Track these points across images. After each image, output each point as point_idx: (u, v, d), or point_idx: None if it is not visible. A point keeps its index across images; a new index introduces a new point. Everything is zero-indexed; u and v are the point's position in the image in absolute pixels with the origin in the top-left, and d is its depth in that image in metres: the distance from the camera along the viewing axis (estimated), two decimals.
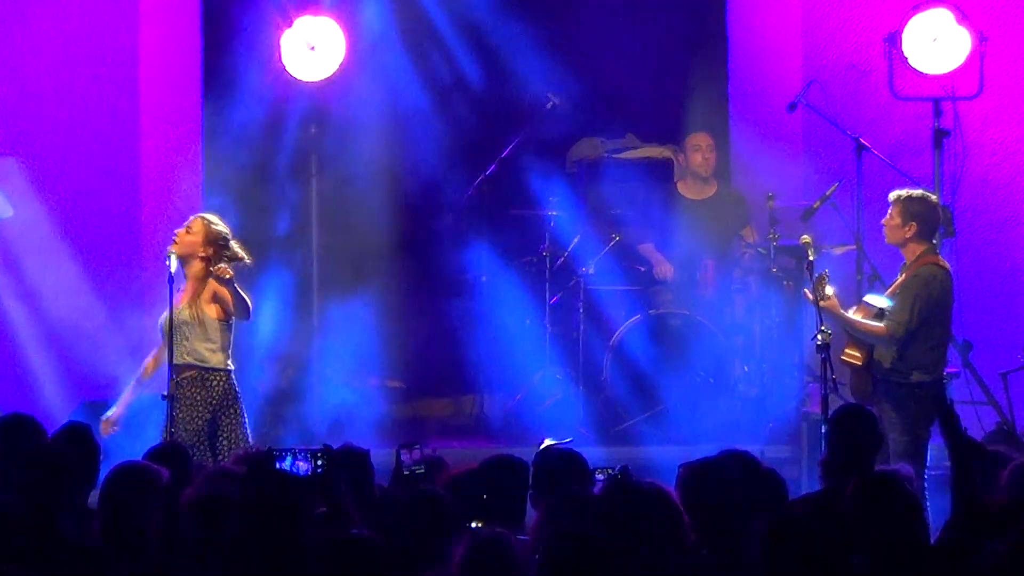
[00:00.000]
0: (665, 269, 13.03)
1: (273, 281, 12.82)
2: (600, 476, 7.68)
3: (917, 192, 10.31)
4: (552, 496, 6.98)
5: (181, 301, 10.02)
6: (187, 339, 9.99)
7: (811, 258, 10.30)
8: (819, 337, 9.88)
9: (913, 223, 10.16)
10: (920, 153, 12.65)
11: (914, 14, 12.32)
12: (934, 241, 10.32)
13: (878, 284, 12.41)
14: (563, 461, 7.62)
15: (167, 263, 9.95)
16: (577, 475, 7.51)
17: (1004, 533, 6.47)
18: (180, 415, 9.87)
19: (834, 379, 9.87)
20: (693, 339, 12.56)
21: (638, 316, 12.79)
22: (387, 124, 13.54)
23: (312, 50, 12.54)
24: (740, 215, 13.07)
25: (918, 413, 9.86)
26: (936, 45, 12.29)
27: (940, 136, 12.42)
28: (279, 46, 12.57)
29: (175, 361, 9.92)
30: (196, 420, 9.94)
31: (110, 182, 12.63)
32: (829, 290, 10.05)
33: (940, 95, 12.42)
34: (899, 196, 10.24)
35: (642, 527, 6.39)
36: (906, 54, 12.33)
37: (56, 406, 11.95)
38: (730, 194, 13.20)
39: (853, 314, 10.13)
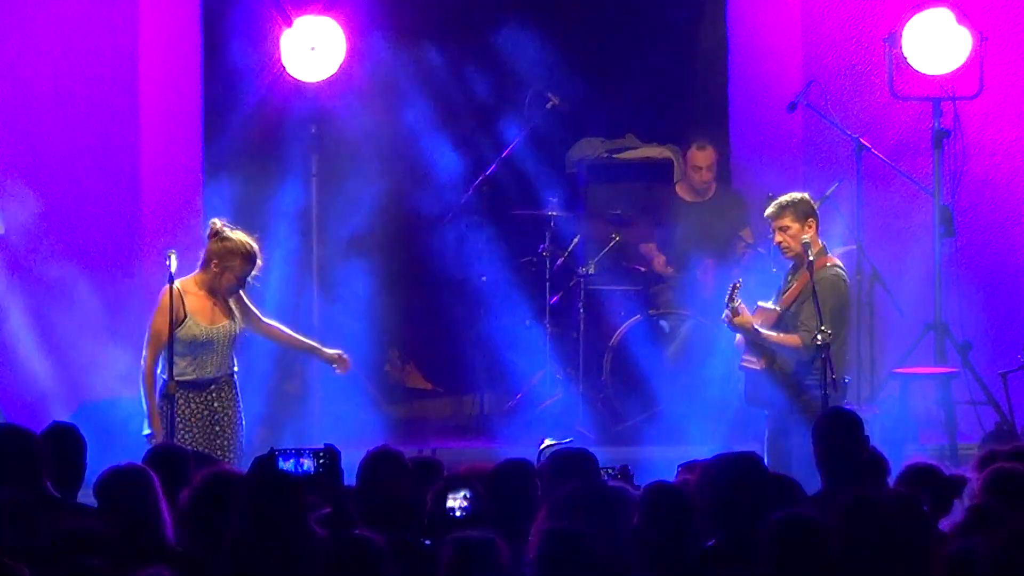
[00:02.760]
0: (662, 261, 13.04)
1: (273, 281, 12.82)
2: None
3: (787, 197, 10.35)
4: (554, 495, 6.96)
5: (214, 314, 9.96)
6: (230, 350, 10.02)
7: (811, 258, 10.29)
8: (819, 337, 9.88)
9: (810, 219, 10.22)
10: (920, 153, 12.66)
11: (914, 14, 12.32)
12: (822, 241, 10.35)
13: (878, 284, 12.43)
14: (573, 460, 7.56)
15: (167, 263, 9.94)
16: (587, 475, 7.44)
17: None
18: (227, 419, 9.95)
19: (834, 379, 9.87)
20: (693, 339, 12.57)
21: (638, 316, 12.80)
22: (387, 124, 13.54)
23: (312, 50, 12.54)
24: (739, 216, 13.07)
25: (822, 398, 9.91)
26: (936, 45, 12.29)
27: (940, 136, 12.42)
28: (279, 46, 12.57)
29: (215, 374, 9.92)
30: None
31: (110, 182, 12.62)
32: (737, 301, 10.08)
33: (940, 95, 12.42)
34: (781, 204, 10.25)
35: None
36: (906, 54, 12.32)
37: (56, 406, 11.95)
38: (729, 195, 13.20)
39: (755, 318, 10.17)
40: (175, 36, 12.89)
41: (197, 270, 9.93)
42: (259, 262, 9.96)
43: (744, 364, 10.24)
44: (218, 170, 12.92)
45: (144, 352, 9.86)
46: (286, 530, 6.17)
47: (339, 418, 12.35)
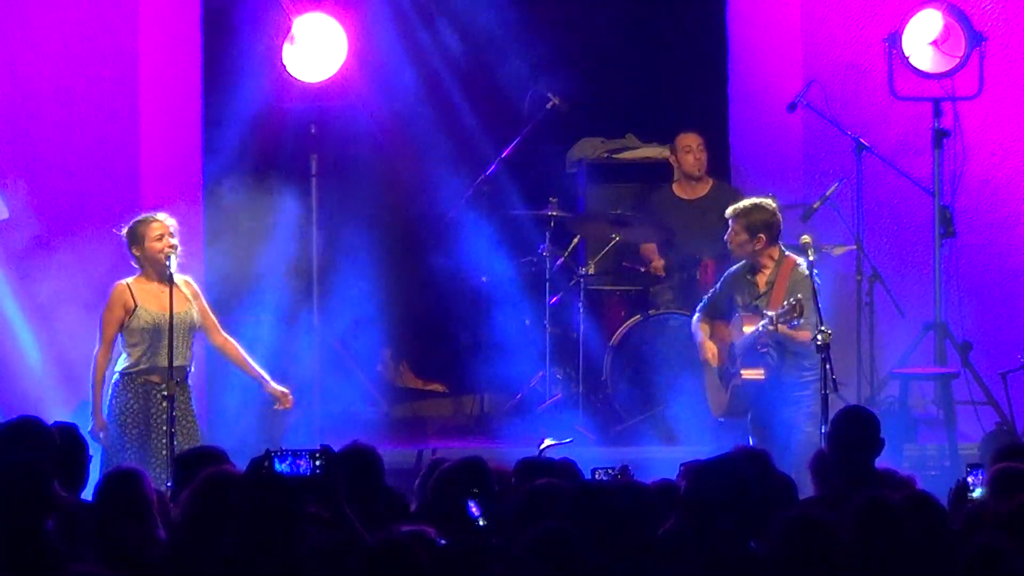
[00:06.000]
0: (658, 264, 13.04)
1: (272, 281, 12.82)
2: (600, 476, 7.67)
3: (750, 202, 10.45)
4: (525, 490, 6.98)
5: (164, 300, 10.01)
6: (186, 340, 10.02)
7: (811, 258, 10.30)
8: (819, 337, 9.88)
9: (760, 235, 10.34)
10: (920, 153, 12.65)
11: (914, 14, 12.32)
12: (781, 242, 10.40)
13: (878, 284, 12.42)
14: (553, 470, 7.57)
15: (167, 263, 9.98)
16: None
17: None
18: (181, 415, 9.92)
19: (834, 379, 9.88)
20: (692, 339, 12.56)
21: (638, 316, 12.79)
22: (387, 124, 13.53)
23: (312, 50, 12.53)
24: None
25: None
26: (936, 45, 12.29)
27: (940, 136, 12.42)
28: (279, 45, 12.56)
29: (179, 363, 9.94)
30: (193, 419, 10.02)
31: (110, 182, 12.62)
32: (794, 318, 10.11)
33: (940, 95, 12.41)
34: (736, 211, 10.41)
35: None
36: (906, 54, 12.33)
37: (55, 406, 11.94)
38: (724, 191, 13.14)
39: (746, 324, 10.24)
40: (175, 36, 12.88)
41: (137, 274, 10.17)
42: (169, 223, 10.15)
43: (746, 376, 10.28)
44: (218, 170, 12.92)
45: (97, 346, 10.01)
46: (282, 532, 6.16)
47: (338, 418, 12.35)
